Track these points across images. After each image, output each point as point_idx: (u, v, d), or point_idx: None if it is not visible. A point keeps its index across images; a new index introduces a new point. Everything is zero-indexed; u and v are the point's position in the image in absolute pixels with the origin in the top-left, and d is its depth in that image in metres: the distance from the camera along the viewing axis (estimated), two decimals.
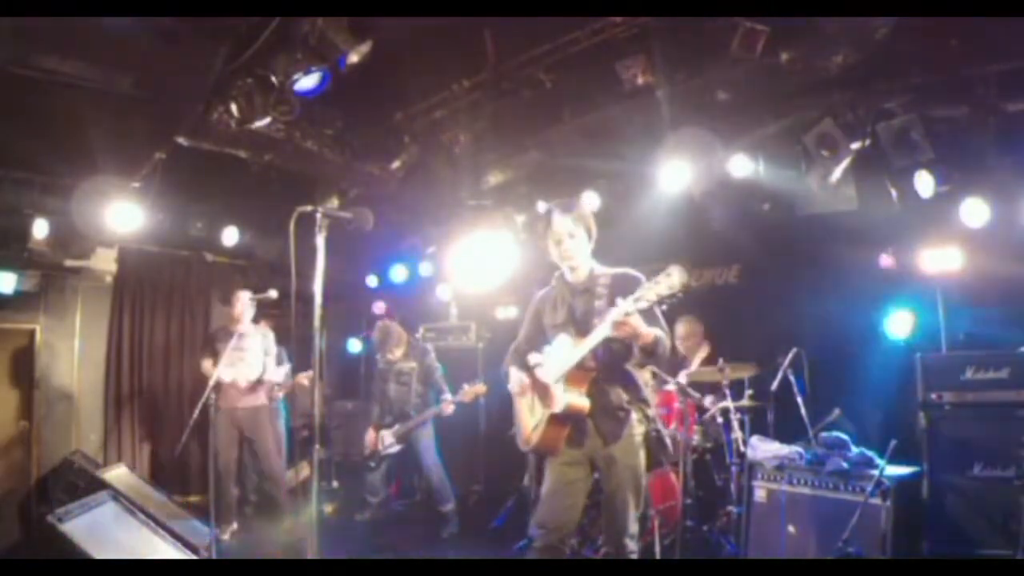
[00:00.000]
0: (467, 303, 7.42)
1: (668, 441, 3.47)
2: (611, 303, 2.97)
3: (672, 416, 4.94)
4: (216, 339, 5.86)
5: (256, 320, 5.95)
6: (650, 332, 2.92)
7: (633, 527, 3.11)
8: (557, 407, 3.04)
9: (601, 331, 2.94)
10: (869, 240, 5.03)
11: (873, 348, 5.02)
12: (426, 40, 4.51)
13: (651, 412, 3.23)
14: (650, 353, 2.99)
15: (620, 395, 3.11)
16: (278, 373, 5.94)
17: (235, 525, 5.73)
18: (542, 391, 3.16)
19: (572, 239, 3.19)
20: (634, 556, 3.12)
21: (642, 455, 3.14)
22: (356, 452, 6.48)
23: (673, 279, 2.73)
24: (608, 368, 3.10)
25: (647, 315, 2.96)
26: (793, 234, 5.45)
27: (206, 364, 5.78)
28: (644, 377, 3.25)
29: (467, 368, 6.52)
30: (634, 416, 3.12)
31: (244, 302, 5.75)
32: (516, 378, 3.29)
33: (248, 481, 6.63)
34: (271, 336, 6.02)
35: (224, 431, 5.61)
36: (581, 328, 3.10)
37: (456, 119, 5.62)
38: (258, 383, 5.80)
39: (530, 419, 3.23)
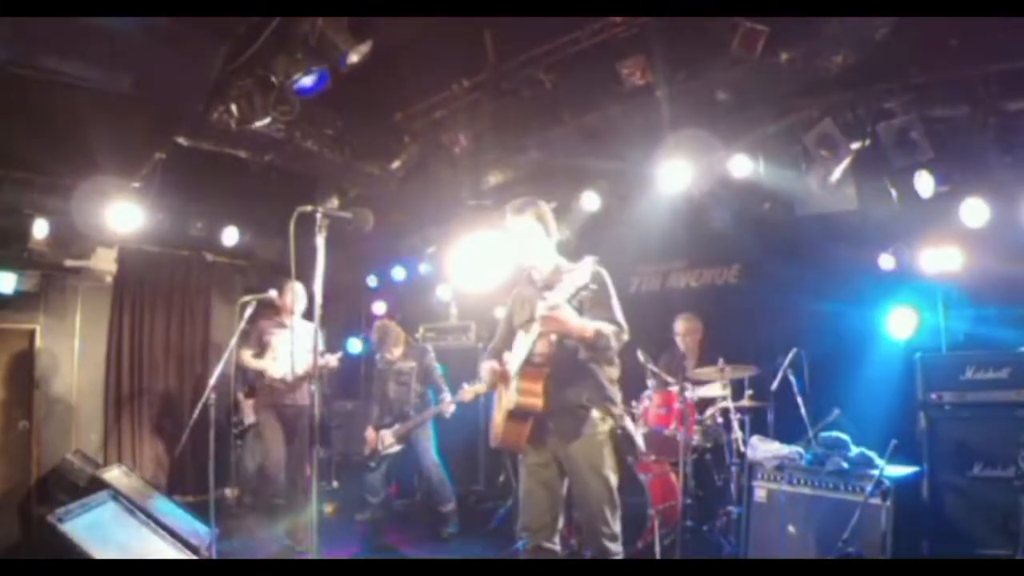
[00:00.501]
0: (467, 303, 7.42)
1: (638, 439, 3.32)
2: (575, 296, 2.93)
3: (672, 416, 4.94)
4: (264, 331, 5.62)
5: (269, 317, 5.74)
6: (583, 326, 2.90)
7: (610, 527, 3.02)
8: (510, 404, 3.04)
9: (535, 327, 2.96)
10: (869, 240, 5.04)
11: (873, 348, 5.02)
12: (426, 40, 4.51)
13: (617, 410, 3.13)
14: (591, 347, 2.96)
15: (579, 393, 3.04)
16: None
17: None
18: (506, 387, 3.16)
19: (529, 238, 3.20)
20: (619, 557, 3.05)
21: (606, 453, 3.05)
22: (356, 452, 6.48)
23: (585, 268, 2.80)
24: (563, 365, 3.04)
25: (600, 306, 3.00)
26: (793, 234, 5.45)
27: (246, 355, 5.54)
28: (610, 374, 3.15)
29: (467, 368, 6.51)
30: (595, 414, 3.04)
31: (296, 293, 5.34)
32: (487, 367, 3.30)
33: (247, 481, 6.65)
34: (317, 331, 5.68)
35: (271, 428, 5.48)
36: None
37: (456, 119, 5.62)
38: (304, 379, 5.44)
39: (498, 415, 3.23)
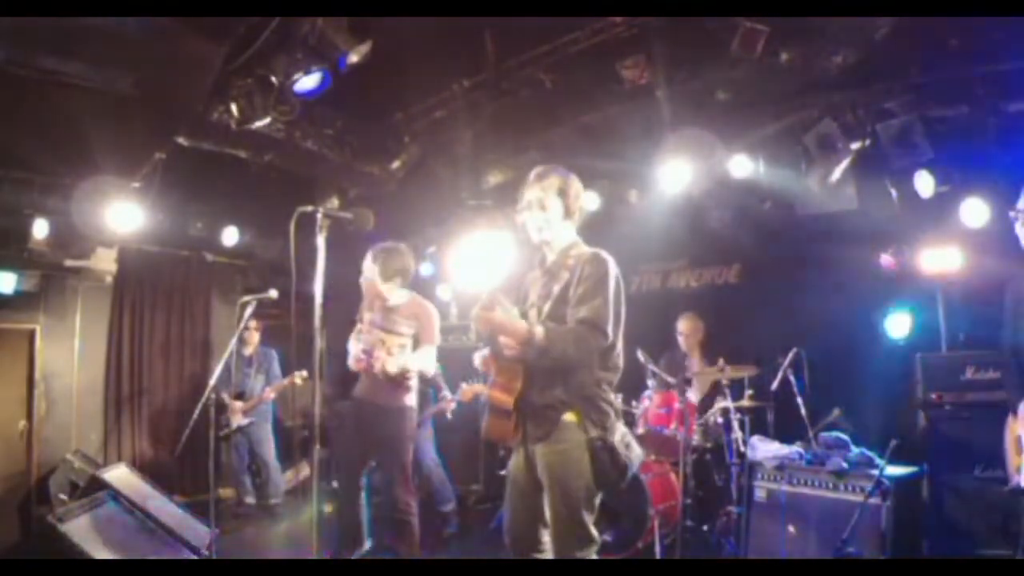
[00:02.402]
0: (467, 303, 7.42)
1: (624, 456, 2.64)
2: (565, 288, 2.72)
3: (672, 416, 4.94)
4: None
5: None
6: (526, 330, 2.59)
7: (577, 552, 2.61)
8: (486, 396, 2.83)
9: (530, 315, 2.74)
10: (869, 240, 5.04)
11: (873, 348, 5.02)
12: (426, 40, 4.50)
13: (604, 418, 2.66)
14: (541, 353, 2.59)
15: (551, 393, 2.65)
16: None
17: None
18: None
19: (542, 211, 2.80)
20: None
21: (579, 467, 2.60)
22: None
23: (585, 258, 2.71)
24: (537, 362, 2.66)
25: (583, 300, 2.64)
26: (793, 234, 5.45)
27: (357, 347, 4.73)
28: (598, 375, 2.70)
29: (467, 368, 6.50)
30: (566, 419, 2.63)
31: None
32: (479, 354, 2.95)
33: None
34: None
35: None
36: (539, 313, 2.78)
37: (456, 119, 5.61)
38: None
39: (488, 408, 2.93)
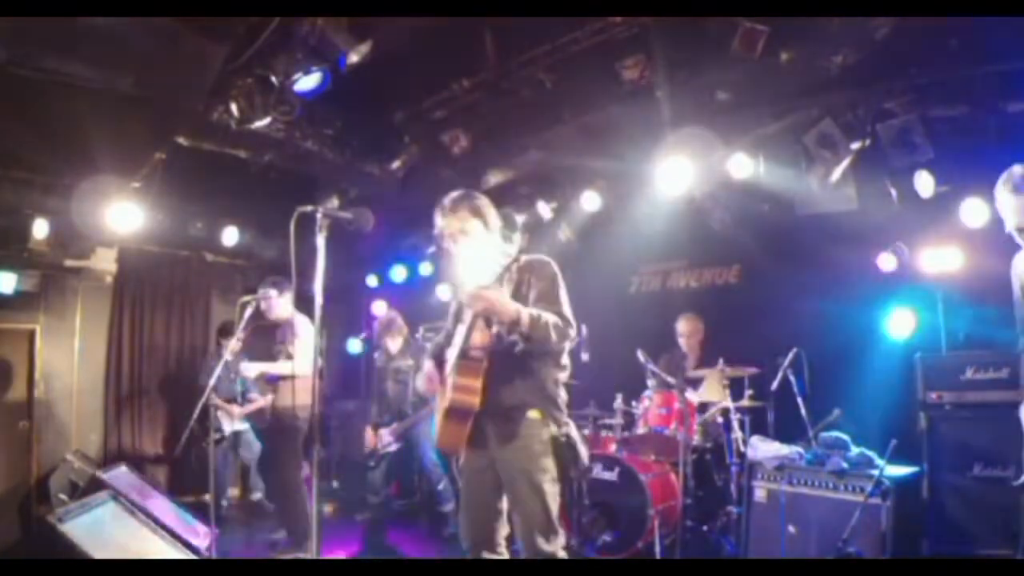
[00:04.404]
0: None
1: (583, 450, 2.85)
2: (515, 293, 2.78)
3: (672, 416, 4.94)
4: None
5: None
6: (516, 309, 2.65)
7: (546, 546, 2.69)
8: (446, 402, 2.78)
9: (469, 313, 2.77)
10: (869, 240, 5.04)
11: (873, 348, 5.01)
12: (426, 40, 4.50)
13: (561, 415, 2.82)
14: (527, 337, 2.68)
15: (516, 393, 2.76)
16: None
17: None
18: (443, 386, 2.94)
19: (465, 236, 2.89)
20: None
21: (545, 462, 2.73)
22: (356, 452, 6.48)
23: (531, 260, 2.81)
24: (502, 360, 2.73)
25: (545, 300, 2.77)
26: (793, 234, 5.45)
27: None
28: (555, 375, 2.85)
29: None
30: (532, 416, 2.75)
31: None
32: (424, 368, 3.05)
33: (250, 481, 6.66)
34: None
35: None
36: (488, 321, 2.78)
37: (456, 119, 5.62)
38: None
39: (439, 415, 2.92)
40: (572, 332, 2.78)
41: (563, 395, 2.89)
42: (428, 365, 3.07)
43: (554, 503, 2.74)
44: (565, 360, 2.92)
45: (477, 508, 2.86)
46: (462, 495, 2.95)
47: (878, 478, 3.71)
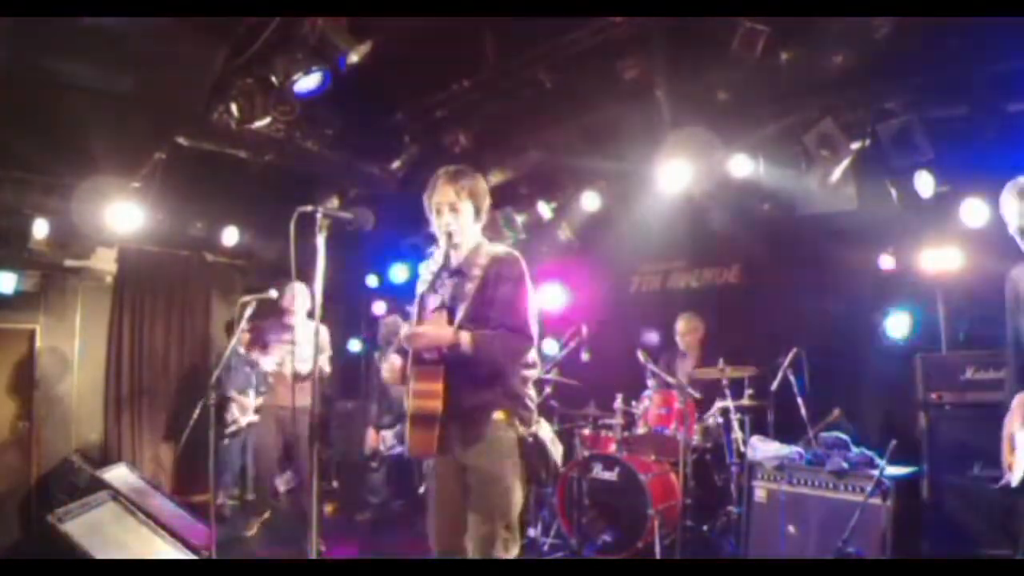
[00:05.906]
0: None
1: (554, 451, 2.73)
2: (480, 288, 2.66)
3: (672, 416, 4.94)
4: (266, 331, 5.67)
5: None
6: (455, 340, 2.55)
7: (505, 550, 2.59)
8: (409, 409, 2.66)
9: (435, 317, 2.67)
10: (869, 240, 5.04)
11: (873, 348, 5.02)
12: (426, 40, 4.51)
13: (528, 415, 2.71)
14: (477, 362, 2.58)
15: (479, 394, 2.64)
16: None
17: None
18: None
19: (454, 213, 2.76)
20: None
21: (509, 465, 2.63)
22: (356, 452, 6.48)
23: (497, 254, 2.72)
24: (461, 361, 2.59)
25: (503, 302, 2.64)
26: (793, 234, 5.45)
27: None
28: (522, 373, 2.75)
29: None
30: (497, 417, 2.63)
31: (297, 292, 5.33)
32: (387, 364, 2.87)
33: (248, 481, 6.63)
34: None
35: (267, 430, 5.57)
36: (451, 316, 2.66)
37: (456, 119, 5.62)
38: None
39: (408, 421, 2.75)
40: (527, 344, 2.67)
41: (531, 393, 2.79)
42: (395, 358, 2.86)
43: (516, 510, 2.65)
44: (533, 357, 2.81)
45: (446, 515, 2.73)
46: (430, 501, 2.82)
47: (878, 478, 3.71)
